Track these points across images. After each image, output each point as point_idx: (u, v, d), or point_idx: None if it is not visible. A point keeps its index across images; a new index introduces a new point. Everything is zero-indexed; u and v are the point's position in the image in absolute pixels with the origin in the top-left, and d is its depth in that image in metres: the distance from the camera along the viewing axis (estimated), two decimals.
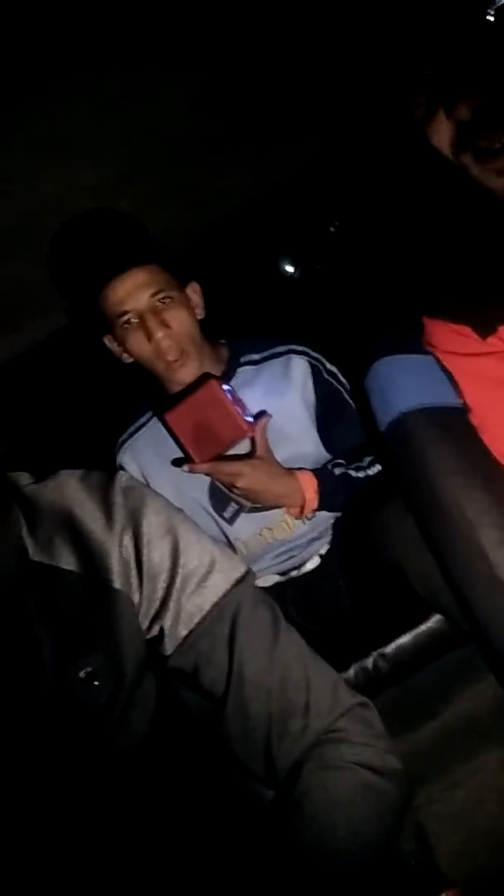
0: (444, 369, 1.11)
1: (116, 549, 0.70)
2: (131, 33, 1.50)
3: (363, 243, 1.57)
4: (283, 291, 1.72)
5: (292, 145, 1.71)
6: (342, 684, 0.74)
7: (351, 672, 1.23)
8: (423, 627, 1.25)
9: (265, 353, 1.35)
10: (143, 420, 1.37)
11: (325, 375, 1.35)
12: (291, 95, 1.67)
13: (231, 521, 1.32)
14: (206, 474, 1.24)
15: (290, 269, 1.73)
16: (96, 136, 1.62)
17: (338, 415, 1.35)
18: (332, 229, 1.69)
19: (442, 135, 1.02)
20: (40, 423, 1.66)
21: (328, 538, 1.39)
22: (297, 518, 1.30)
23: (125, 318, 1.24)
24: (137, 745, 0.66)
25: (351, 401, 1.36)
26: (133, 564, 0.70)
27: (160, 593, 0.70)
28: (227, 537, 1.33)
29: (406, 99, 1.08)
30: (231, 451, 1.23)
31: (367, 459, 1.30)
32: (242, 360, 1.35)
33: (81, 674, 0.64)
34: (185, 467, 1.22)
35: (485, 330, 1.08)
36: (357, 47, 1.54)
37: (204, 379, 1.23)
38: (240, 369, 1.34)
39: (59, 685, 0.64)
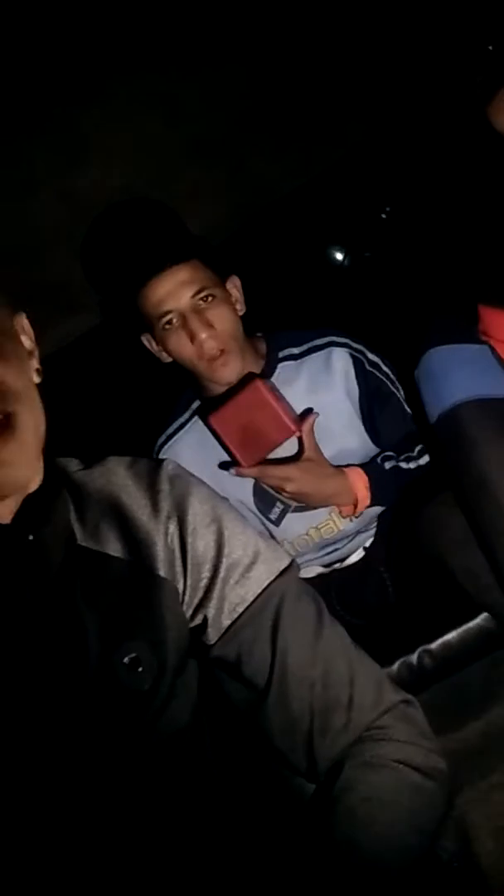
0: (500, 359, 1.08)
1: (162, 537, 0.70)
2: (170, 21, 1.49)
3: (416, 229, 1.53)
4: (332, 279, 1.70)
5: (342, 128, 1.67)
6: (386, 680, 0.72)
7: (395, 668, 1.21)
8: (469, 625, 1.22)
9: (305, 347, 1.30)
10: (182, 420, 1.32)
11: (368, 366, 1.30)
12: (341, 78, 1.64)
13: (277, 522, 1.29)
14: (255, 478, 1.22)
15: (339, 256, 1.70)
16: (135, 129, 1.61)
17: (383, 406, 1.30)
18: (383, 215, 1.65)
19: None
20: (81, 420, 1.65)
21: (372, 531, 1.37)
22: (347, 516, 1.27)
23: (167, 318, 1.19)
24: (178, 733, 0.67)
25: (396, 389, 1.32)
26: (178, 552, 0.70)
27: (204, 582, 0.70)
28: (272, 537, 1.30)
29: (465, 78, 1.04)
30: (278, 450, 1.18)
31: (417, 448, 1.26)
32: (281, 354, 1.30)
33: (126, 660, 0.64)
34: (233, 471, 1.18)
35: None
36: (413, 25, 1.50)
37: (248, 379, 1.18)
38: (280, 365, 1.29)
39: (104, 670, 0.64)
